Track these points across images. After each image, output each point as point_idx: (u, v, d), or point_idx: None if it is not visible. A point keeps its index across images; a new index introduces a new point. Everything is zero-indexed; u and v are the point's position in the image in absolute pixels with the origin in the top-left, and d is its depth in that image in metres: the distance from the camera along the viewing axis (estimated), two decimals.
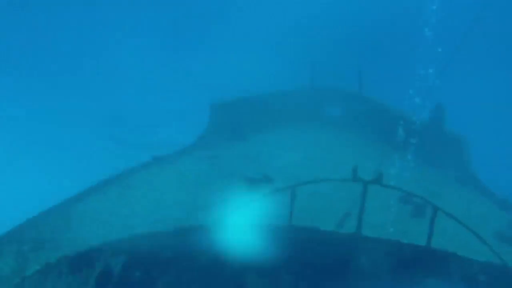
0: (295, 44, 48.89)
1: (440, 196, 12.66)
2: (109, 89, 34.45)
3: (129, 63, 42.47)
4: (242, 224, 7.42)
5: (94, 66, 40.01)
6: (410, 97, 14.98)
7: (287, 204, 7.51)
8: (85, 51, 44.08)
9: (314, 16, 55.71)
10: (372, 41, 49.42)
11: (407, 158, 12.94)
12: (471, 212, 12.14)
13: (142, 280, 6.97)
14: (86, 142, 25.13)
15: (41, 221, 9.80)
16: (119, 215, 10.39)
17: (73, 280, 6.33)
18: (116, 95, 33.36)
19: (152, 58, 44.21)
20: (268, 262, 7.48)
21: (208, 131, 15.31)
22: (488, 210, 12.81)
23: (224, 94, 18.00)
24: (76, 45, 45.16)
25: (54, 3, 50.95)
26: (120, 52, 44.90)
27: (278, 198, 7.87)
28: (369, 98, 17.91)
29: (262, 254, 7.45)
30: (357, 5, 55.27)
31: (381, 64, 39.89)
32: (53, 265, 6.09)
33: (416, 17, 17.98)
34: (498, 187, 14.09)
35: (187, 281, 7.20)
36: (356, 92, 18.15)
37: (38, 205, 10.54)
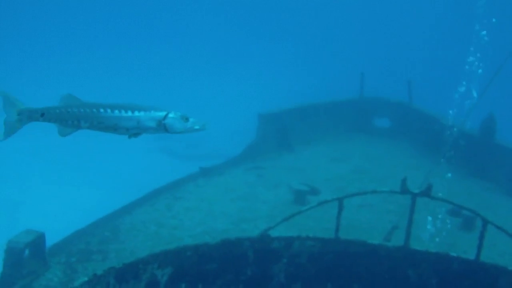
0: (344, 53, 48.86)
1: (490, 208, 12.39)
2: (159, 101, 34.74)
3: (177, 73, 42.89)
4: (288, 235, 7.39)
5: (142, 77, 40.48)
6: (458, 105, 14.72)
7: (334, 216, 7.44)
8: (132, 61, 44.66)
9: (364, 26, 55.75)
10: (422, 51, 49.10)
11: (447, 167, 12.70)
12: None
13: None
14: (135, 154, 25.36)
15: (89, 233, 9.94)
16: (166, 226, 10.48)
17: None
18: (166, 107, 33.60)
19: (200, 68, 44.59)
20: (314, 275, 7.43)
21: (256, 141, 15.29)
22: None
23: (272, 104, 17.97)
24: (124, 54, 45.82)
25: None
26: (166, 63, 45.37)
27: (325, 210, 7.81)
28: (418, 109, 17.67)
29: (308, 267, 7.41)
30: (407, 19, 55.15)
31: (430, 74, 39.56)
32: (100, 276, 6.12)
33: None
34: None
35: None
36: (405, 102, 17.94)
37: (86, 216, 10.71)
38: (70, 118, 5.07)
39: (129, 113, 5.13)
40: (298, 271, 7.40)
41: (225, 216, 11.05)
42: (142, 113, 5.17)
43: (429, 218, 10.92)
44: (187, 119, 5.24)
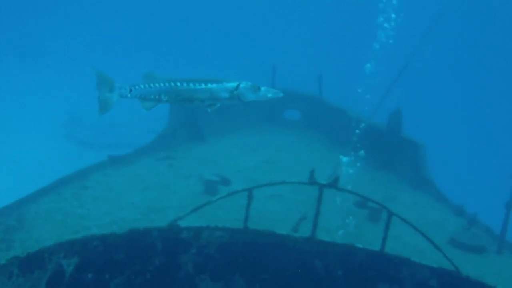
0: (257, 46, 49.23)
1: (395, 200, 12.82)
2: (68, 88, 34.08)
3: (89, 60, 42.09)
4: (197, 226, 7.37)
5: (52, 63, 39.54)
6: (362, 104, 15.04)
7: (244, 207, 7.46)
8: (43, 47, 43.59)
9: (277, 19, 56.41)
10: (331, 45, 50.16)
11: (353, 159, 12.97)
12: (426, 217, 12.29)
13: (95, 282, 6.87)
14: (42, 141, 24.76)
15: None
16: (73, 216, 10.26)
17: (23, 281, 6.21)
18: (75, 94, 33.03)
19: (112, 56, 43.94)
20: (223, 265, 7.45)
21: (167, 131, 15.16)
22: (442, 216, 12.97)
23: None
24: (34, 42, 44.62)
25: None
26: (79, 48, 44.52)
27: (235, 201, 7.84)
28: (328, 102, 18.01)
29: (216, 257, 7.42)
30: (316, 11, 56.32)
31: (339, 68, 40.38)
32: (3, 266, 5.96)
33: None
34: (452, 192, 14.27)
35: (139, 283, 7.13)
36: (316, 95, 18.23)
37: None
38: (152, 93, 5.64)
39: (203, 86, 5.62)
40: (207, 262, 7.40)
41: (134, 206, 10.91)
42: (214, 85, 5.65)
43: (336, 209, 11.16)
44: (258, 88, 5.71)
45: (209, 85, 5.61)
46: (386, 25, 16.49)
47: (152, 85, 5.63)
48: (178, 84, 5.60)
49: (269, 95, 5.76)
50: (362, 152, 12.88)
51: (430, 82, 49.19)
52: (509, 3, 47.12)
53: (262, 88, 5.72)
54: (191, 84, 5.60)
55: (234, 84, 5.66)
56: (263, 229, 7.59)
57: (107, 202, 11.02)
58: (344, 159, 12.56)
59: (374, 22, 16.62)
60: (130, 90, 5.66)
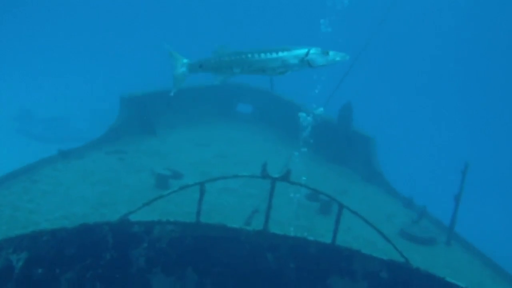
0: (208, 39, 49.27)
1: (346, 193, 12.97)
2: (19, 82, 33.58)
3: (40, 53, 41.55)
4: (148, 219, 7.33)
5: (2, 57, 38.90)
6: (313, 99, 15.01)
7: (196, 201, 7.44)
8: None
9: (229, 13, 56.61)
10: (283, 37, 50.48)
11: (302, 151, 13.00)
12: (376, 210, 12.46)
13: (45, 277, 6.77)
14: None
15: None
16: (23, 210, 10.07)
17: None
18: (26, 87, 32.56)
19: (63, 49, 43.43)
20: (175, 259, 7.43)
21: (118, 125, 14.94)
22: (393, 208, 13.16)
23: (135, 87, 17.67)
24: None
25: None
26: (30, 43, 43.90)
27: (187, 195, 7.80)
28: (279, 96, 18.08)
29: (168, 251, 7.39)
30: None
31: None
32: None
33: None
34: (402, 185, 14.48)
35: (91, 278, 7.05)
36: (267, 89, 18.28)
37: None
38: (224, 66, 5.94)
39: (274, 55, 5.76)
40: (158, 256, 7.37)
41: (84, 200, 10.76)
42: (285, 53, 5.77)
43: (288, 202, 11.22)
44: (327, 53, 5.78)
45: (280, 54, 5.74)
46: None
47: (223, 58, 5.87)
48: (249, 55, 5.78)
49: (338, 59, 5.86)
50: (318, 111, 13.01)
51: (378, 76, 49.80)
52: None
53: (331, 53, 5.80)
54: (262, 54, 5.75)
55: (304, 50, 5.76)
56: (215, 222, 7.59)
57: (57, 197, 10.84)
58: (308, 118, 12.69)
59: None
60: (201, 65, 6.01)
